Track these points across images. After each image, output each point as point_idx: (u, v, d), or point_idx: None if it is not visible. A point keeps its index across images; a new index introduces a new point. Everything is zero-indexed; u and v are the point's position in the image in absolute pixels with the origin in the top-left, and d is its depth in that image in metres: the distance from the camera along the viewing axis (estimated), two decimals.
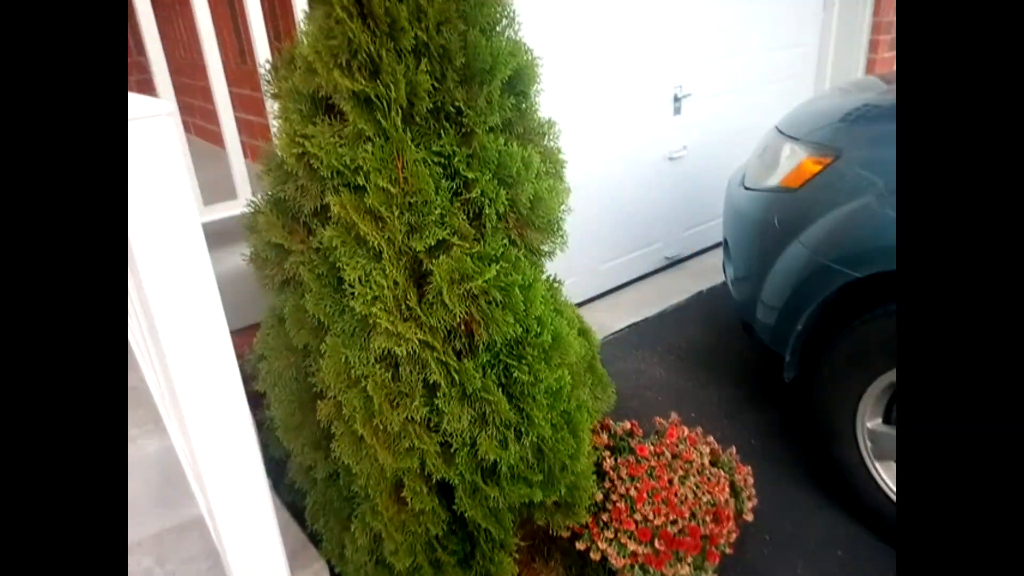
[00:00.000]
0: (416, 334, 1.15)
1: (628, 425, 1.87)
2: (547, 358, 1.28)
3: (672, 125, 3.08)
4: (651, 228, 3.23)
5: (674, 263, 3.44)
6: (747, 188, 2.11)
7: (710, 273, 3.29)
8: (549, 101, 2.50)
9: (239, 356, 1.58)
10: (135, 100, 0.81)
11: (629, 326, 2.93)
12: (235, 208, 1.80)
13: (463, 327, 1.24)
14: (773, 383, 2.37)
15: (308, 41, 1.12)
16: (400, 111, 1.13)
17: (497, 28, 1.22)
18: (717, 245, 3.51)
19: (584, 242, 2.94)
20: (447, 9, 1.14)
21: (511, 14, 1.23)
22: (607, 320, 2.98)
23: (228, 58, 2.59)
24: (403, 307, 1.15)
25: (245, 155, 1.94)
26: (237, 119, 1.86)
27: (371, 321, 1.15)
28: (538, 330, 1.26)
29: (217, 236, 1.84)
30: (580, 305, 3.09)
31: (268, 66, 1.31)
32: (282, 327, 1.31)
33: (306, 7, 1.75)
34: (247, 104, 2.49)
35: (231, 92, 2.39)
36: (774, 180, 1.96)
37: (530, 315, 1.24)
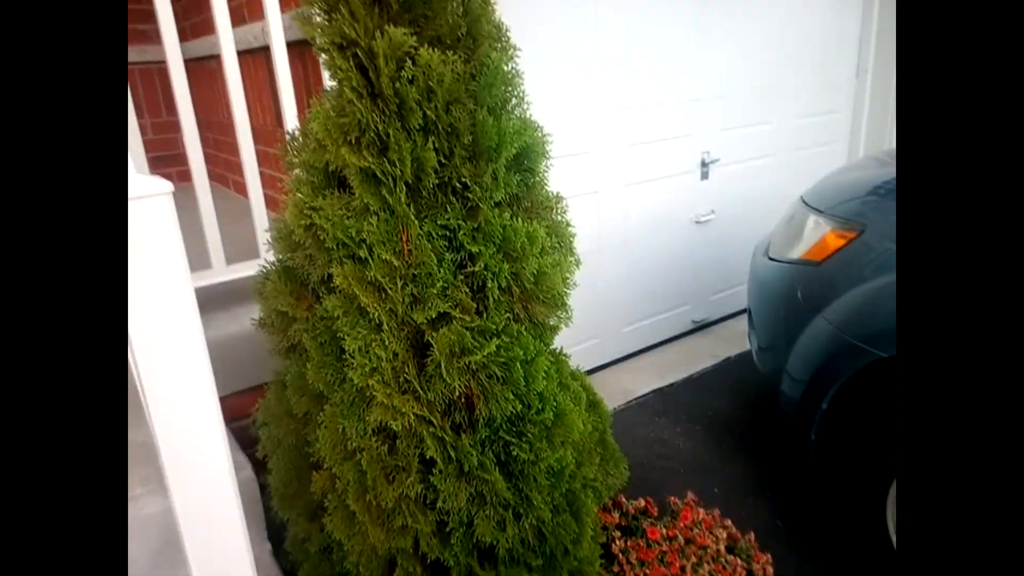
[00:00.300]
0: (413, 408, 1.14)
1: (642, 503, 1.79)
2: (549, 436, 1.24)
3: (700, 189, 3.06)
4: (678, 291, 3.18)
5: (701, 327, 3.37)
6: (771, 259, 2.07)
7: (739, 339, 3.21)
8: (574, 162, 2.54)
9: (250, 415, 1.59)
10: (136, 179, 0.83)
11: (653, 391, 2.85)
12: (255, 268, 1.83)
13: (463, 400, 1.21)
14: (803, 459, 2.25)
15: (319, 119, 1.16)
16: (406, 187, 1.15)
17: (508, 107, 1.24)
18: (745, 310, 3.43)
19: (608, 303, 2.91)
20: (457, 89, 1.17)
21: (521, 94, 1.25)
22: (630, 384, 2.91)
23: (266, 120, 2.70)
24: (401, 380, 1.14)
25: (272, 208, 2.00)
26: (271, 177, 1.92)
27: (368, 393, 1.14)
28: (539, 407, 1.23)
29: (238, 293, 1.88)
30: (603, 368, 3.03)
31: (289, 137, 1.36)
32: (285, 393, 1.31)
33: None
34: (270, 161, 2.59)
35: (268, 152, 2.49)
36: (798, 252, 1.91)
37: (531, 391, 1.21)
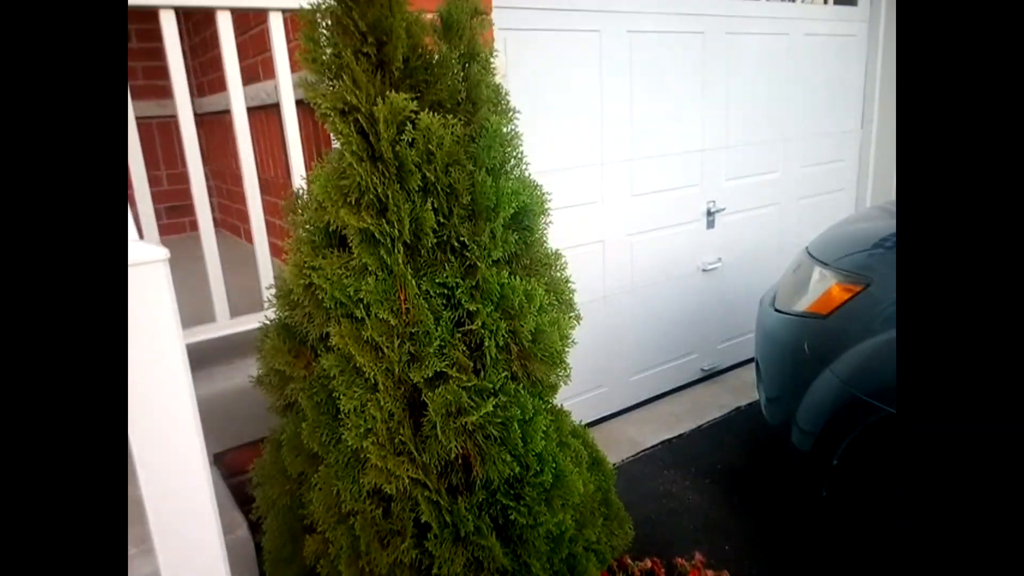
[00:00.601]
0: (408, 471, 1.12)
1: (648, 564, 1.74)
2: (548, 499, 1.21)
3: (706, 238, 3.07)
4: (686, 339, 3.15)
5: (710, 375, 3.32)
6: (778, 310, 2.05)
7: (748, 388, 3.16)
8: (580, 211, 2.56)
9: (249, 471, 1.56)
10: (135, 247, 0.85)
11: (661, 443, 2.80)
12: (258, 321, 1.84)
13: (459, 461, 1.19)
14: (815, 515, 2.18)
15: (320, 182, 1.18)
16: (404, 247, 1.16)
17: (506, 167, 1.26)
18: (754, 359, 3.39)
19: (615, 351, 2.89)
20: (456, 151, 1.19)
21: (519, 155, 1.26)
22: (637, 435, 2.86)
23: (277, 173, 2.76)
24: (396, 441, 1.12)
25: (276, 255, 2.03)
26: (281, 228, 1.94)
27: (363, 455, 1.13)
28: (538, 468, 1.20)
29: (241, 346, 1.88)
30: (610, 417, 2.99)
31: (294, 196, 1.38)
32: (280, 453, 1.30)
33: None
34: (276, 211, 2.63)
35: (278, 204, 2.53)
36: (803, 305, 1.90)
37: (530, 452, 1.19)
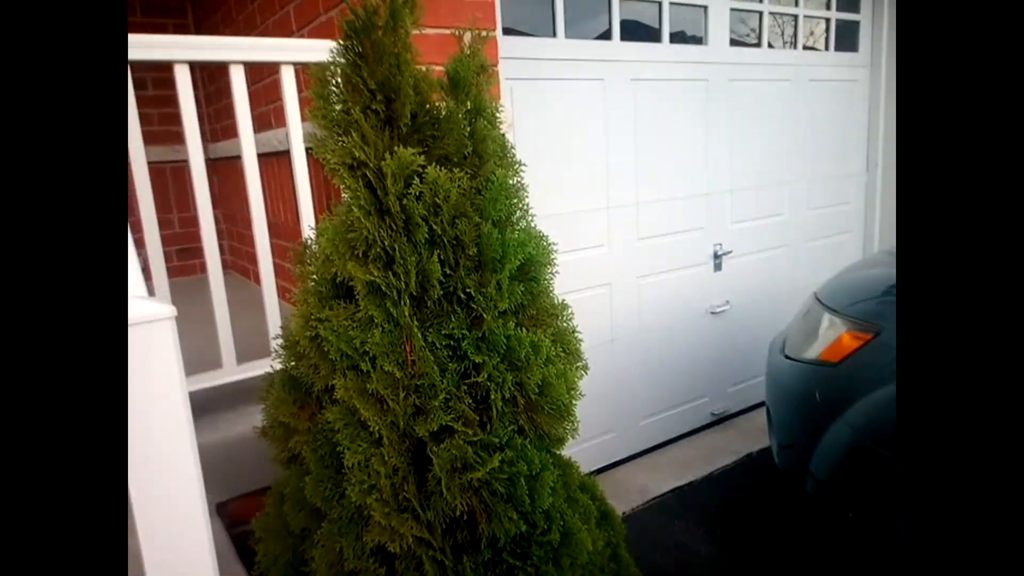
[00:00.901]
0: (412, 529, 1.09)
1: None
2: (556, 558, 1.18)
3: (713, 281, 3.06)
4: (695, 382, 3.11)
5: (721, 420, 3.27)
6: (788, 357, 2.02)
7: (759, 433, 3.10)
8: (586, 255, 2.56)
9: (252, 520, 1.54)
10: (143, 304, 0.85)
11: (671, 491, 2.74)
12: (265, 368, 1.84)
13: (465, 518, 1.17)
14: (840, 565, 2.11)
15: (328, 235, 1.19)
16: (410, 299, 1.16)
17: (512, 219, 1.27)
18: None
19: (624, 395, 2.86)
20: (462, 204, 1.20)
21: (525, 207, 1.27)
22: (648, 482, 2.80)
23: (287, 218, 2.80)
24: (400, 498, 1.10)
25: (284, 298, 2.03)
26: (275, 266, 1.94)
27: (367, 512, 1.11)
28: (545, 526, 1.17)
29: (248, 392, 1.87)
30: (619, 464, 2.93)
31: (302, 247, 1.39)
32: (280, 506, 1.27)
33: None
34: (283, 253, 2.66)
35: (287, 247, 2.55)
36: (814, 352, 1.87)
37: (537, 509, 1.16)
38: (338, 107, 1.25)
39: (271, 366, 1.49)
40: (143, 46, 1.54)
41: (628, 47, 2.57)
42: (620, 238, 2.70)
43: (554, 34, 2.39)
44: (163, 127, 3.62)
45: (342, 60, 1.25)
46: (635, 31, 2.61)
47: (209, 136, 3.76)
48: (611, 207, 2.65)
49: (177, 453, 0.92)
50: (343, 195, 1.86)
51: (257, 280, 3.45)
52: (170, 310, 0.84)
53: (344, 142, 1.19)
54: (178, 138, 3.70)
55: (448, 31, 1.82)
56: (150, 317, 0.83)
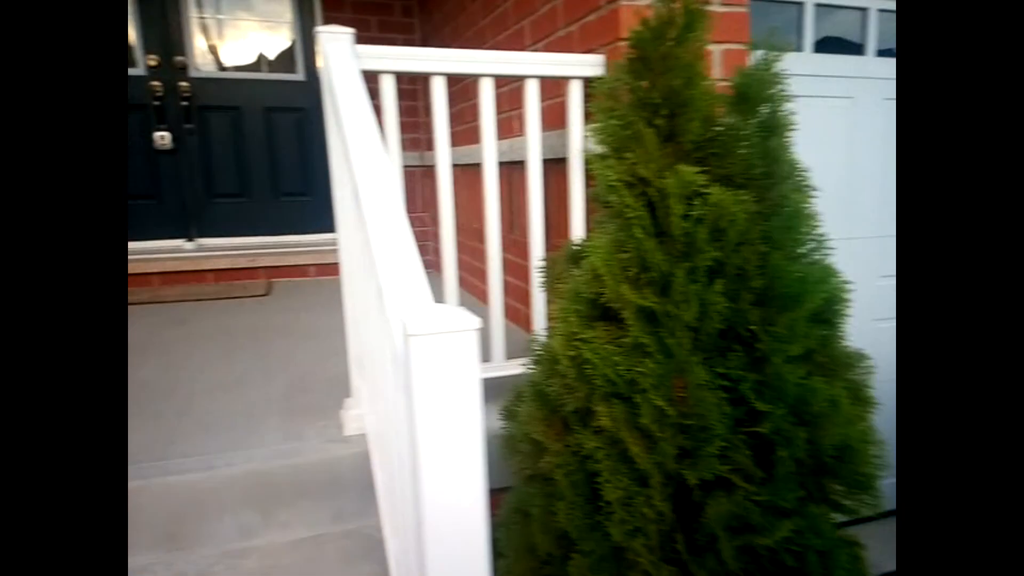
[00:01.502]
0: None
1: None
2: None
3: None
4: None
5: None
6: None
7: None
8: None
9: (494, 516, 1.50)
10: (452, 312, 0.85)
11: None
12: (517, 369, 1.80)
13: None
14: None
15: (600, 253, 1.13)
16: (688, 331, 1.07)
17: (801, 250, 1.13)
18: None
19: None
20: (749, 231, 1.09)
21: (820, 237, 1.13)
22: None
23: (519, 234, 2.85)
24: (668, 548, 1.01)
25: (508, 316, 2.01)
26: (511, 285, 1.94)
27: (630, 556, 1.03)
28: None
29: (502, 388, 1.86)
30: None
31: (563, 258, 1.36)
32: (526, 524, 1.24)
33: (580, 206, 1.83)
34: (512, 269, 2.69)
35: (547, 258, 2.58)
36: None
37: None
38: (615, 122, 1.20)
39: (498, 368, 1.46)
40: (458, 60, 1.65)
41: (883, 63, 2.29)
42: (857, 274, 2.40)
43: (800, 48, 2.19)
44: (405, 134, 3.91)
45: (626, 74, 1.20)
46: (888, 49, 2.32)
47: (427, 145, 4.00)
48: (852, 239, 2.36)
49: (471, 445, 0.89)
50: (575, 198, 1.80)
51: (469, 289, 3.58)
52: (477, 320, 0.83)
53: (627, 158, 1.14)
54: (408, 144, 4.00)
55: (729, 45, 1.71)
56: (461, 327, 0.82)
